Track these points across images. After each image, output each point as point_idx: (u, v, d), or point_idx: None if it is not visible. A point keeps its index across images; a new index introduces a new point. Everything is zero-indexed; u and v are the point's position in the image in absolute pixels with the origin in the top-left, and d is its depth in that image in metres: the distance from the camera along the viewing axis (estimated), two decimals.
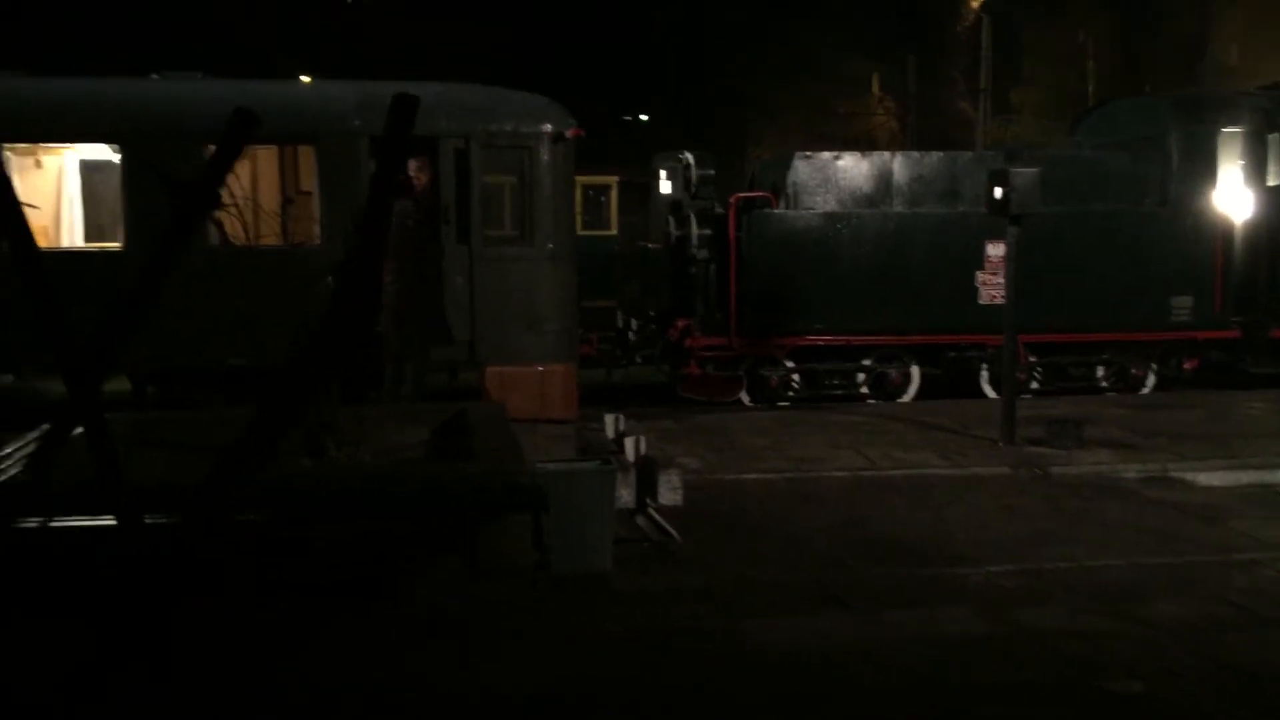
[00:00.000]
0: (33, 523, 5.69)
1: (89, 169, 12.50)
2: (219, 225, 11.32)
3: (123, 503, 2.33)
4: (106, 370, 2.27)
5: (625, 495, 7.67)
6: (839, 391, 13.55)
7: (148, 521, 5.27)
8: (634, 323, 14.70)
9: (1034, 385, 13.79)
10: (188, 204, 2.23)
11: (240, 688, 5.19)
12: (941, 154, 13.98)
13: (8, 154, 11.29)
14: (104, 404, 2.32)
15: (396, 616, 6.06)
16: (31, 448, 7.53)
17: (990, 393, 13.47)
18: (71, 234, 12.53)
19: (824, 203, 13.42)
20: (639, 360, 14.31)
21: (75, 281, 10.81)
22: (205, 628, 5.80)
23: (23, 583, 5.54)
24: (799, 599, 6.50)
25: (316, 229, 11.39)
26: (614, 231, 20.74)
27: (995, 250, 12.84)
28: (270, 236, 11.96)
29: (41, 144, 11.95)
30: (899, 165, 13.63)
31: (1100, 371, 14.03)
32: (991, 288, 13.14)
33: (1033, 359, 13.68)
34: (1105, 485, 9.27)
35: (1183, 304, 13.60)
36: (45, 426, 8.16)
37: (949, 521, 8.20)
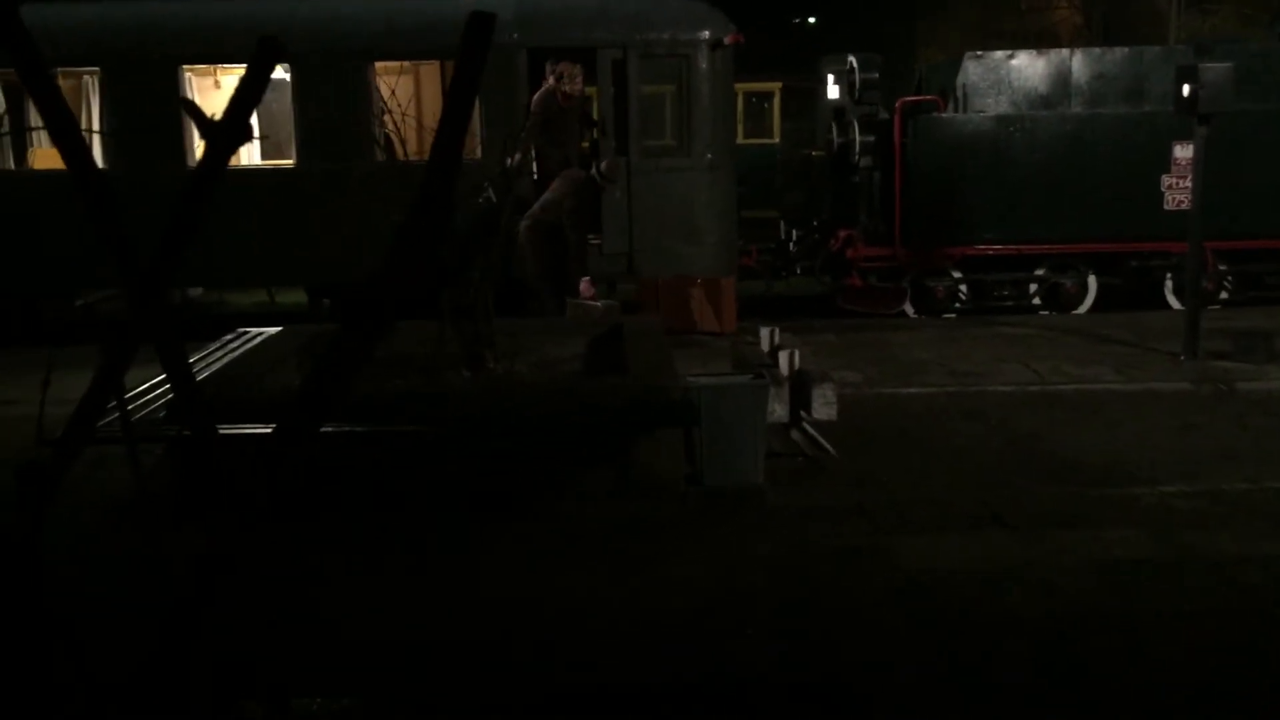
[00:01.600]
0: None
1: None
2: (382, 141, 11.58)
3: (199, 417, 2.39)
4: (165, 288, 2.31)
5: (779, 410, 7.59)
6: (1009, 303, 13.06)
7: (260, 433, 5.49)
8: (795, 233, 14.44)
9: (1224, 295, 13.00)
10: (218, 141, 2.22)
11: (390, 601, 5.37)
12: (1125, 49, 13.12)
13: (188, 75, 11.75)
14: (172, 318, 2.36)
15: (548, 530, 6.16)
16: (215, 357, 7.94)
17: (1175, 304, 12.77)
18: (250, 152, 13.00)
19: (996, 105, 12.82)
20: (799, 271, 14.09)
21: (253, 197, 11.38)
22: (357, 542, 6.04)
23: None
24: (958, 518, 6.34)
25: (477, 143, 11.50)
26: (777, 139, 20.32)
27: (1183, 152, 12.05)
28: None
29: (219, 64, 12.37)
30: (1078, 63, 12.87)
31: None
32: (1178, 192, 12.38)
33: (1222, 267, 12.88)
34: None
35: None
36: (226, 337, 8.63)
37: (1121, 439, 7.84)
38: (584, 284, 10.16)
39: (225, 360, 7.76)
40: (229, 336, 8.60)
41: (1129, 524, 6.17)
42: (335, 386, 2.13)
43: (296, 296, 13.53)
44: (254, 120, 10.69)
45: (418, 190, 2.21)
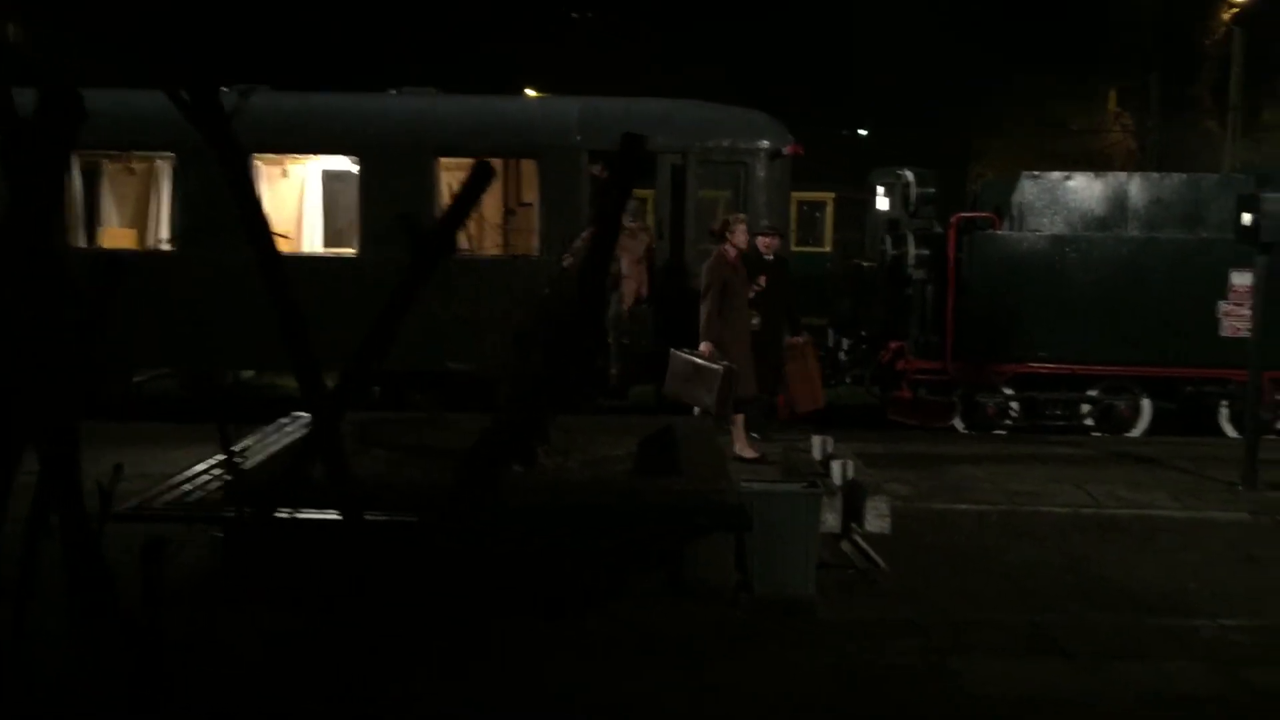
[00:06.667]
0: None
1: (330, 179, 13.19)
2: None
3: (349, 502, 2.42)
4: (350, 397, 2.37)
5: (830, 520, 7.50)
6: (1060, 422, 12.91)
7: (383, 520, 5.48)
8: (845, 342, 14.44)
9: None
10: (425, 250, 2.28)
11: (431, 700, 5.30)
12: (1184, 176, 13.16)
13: (257, 164, 12.04)
14: (339, 412, 2.41)
15: (595, 632, 6.08)
16: (271, 440, 7.97)
17: (1231, 431, 12.56)
18: (312, 240, 13.25)
19: (1051, 225, 12.85)
20: (849, 381, 14.05)
21: (313, 285, 11.55)
22: (404, 639, 5.97)
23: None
24: (1012, 640, 6.20)
25: (536, 240, 11.68)
26: (828, 248, 20.49)
27: (1241, 280, 12.00)
28: (492, 247, 12.35)
29: (287, 154, 12.67)
30: (1136, 187, 12.91)
31: None
32: (1236, 319, 12.28)
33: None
34: None
35: None
36: (281, 420, 8.67)
37: (1179, 568, 7.67)
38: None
39: (283, 444, 7.79)
40: (284, 420, 8.65)
41: (1190, 657, 6.01)
42: (486, 478, 2.15)
43: None
44: (319, 210, 10.85)
45: (577, 288, 2.27)
